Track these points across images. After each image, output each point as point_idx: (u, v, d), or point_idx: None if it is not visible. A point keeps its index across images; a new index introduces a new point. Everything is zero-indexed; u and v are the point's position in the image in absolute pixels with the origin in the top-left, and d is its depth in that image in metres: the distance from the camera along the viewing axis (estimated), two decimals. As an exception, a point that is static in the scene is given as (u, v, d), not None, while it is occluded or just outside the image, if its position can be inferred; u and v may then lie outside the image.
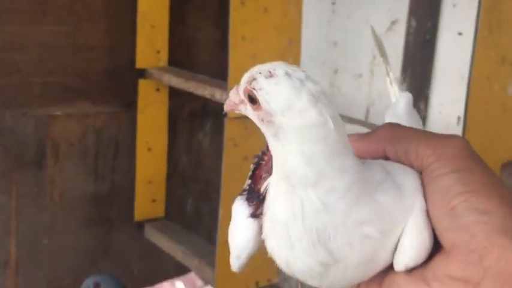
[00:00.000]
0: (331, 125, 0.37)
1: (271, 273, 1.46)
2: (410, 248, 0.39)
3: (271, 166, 0.41)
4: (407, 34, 1.64)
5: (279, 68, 0.38)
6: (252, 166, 0.45)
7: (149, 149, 1.73)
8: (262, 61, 1.28)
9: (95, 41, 1.61)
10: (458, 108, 1.33)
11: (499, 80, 0.82)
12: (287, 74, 0.37)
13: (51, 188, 1.62)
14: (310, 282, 0.42)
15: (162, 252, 1.76)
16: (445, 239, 0.39)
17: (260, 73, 0.38)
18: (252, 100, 0.38)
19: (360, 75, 1.84)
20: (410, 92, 0.63)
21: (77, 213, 1.68)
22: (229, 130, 1.29)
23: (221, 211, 1.34)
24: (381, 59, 0.62)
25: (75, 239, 1.69)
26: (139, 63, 1.67)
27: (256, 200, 0.42)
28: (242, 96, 0.39)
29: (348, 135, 0.42)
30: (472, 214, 0.37)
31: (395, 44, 1.73)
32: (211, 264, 1.48)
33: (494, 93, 0.83)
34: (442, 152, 0.40)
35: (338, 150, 0.38)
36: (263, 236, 0.41)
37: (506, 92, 0.84)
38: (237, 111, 0.41)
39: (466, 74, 1.56)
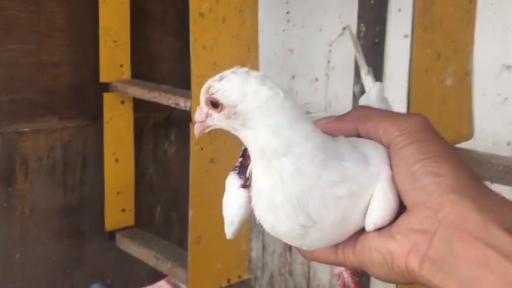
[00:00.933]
0: (281, 94, 0.45)
1: (241, 270, 1.52)
2: (378, 209, 0.46)
3: None
4: (358, 38, 1.74)
5: (225, 72, 0.47)
6: (243, 147, 0.52)
7: (116, 160, 1.78)
8: (223, 68, 1.37)
9: (58, 57, 1.66)
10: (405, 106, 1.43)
11: (436, 74, 0.92)
12: (233, 72, 0.46)
13: (22, 203, 1.65)
14: (292, 243, 0.48)
15: (134, 260, 1.80)
16: (407, 199, 0.45)
17: (213, 81, 0.47)
18: (215, 105, 0.46)
19: (316, 79, 1.94)
20: (362, 93, 0.72)
21: (48, 226, 1.70)
22: (195, 135, 1.35)
23: (191, 212, 1.40)
24: (356, 54, 0.70)
25: (47, 252, 1.71)
26: (103, 77, 1.72)
27: (246, 173, 0.49)
28: (205, 109, 0.47)
29: (324, 118, 0.50)
30: (429, 177, 0.44)
31: (348, 48, 1.83)
32: (184, 266, 1.53)
33: (433, 86, 0.93)
34: (404, 127, 0.47)
35: (297, 117, 0.45)
36: (252, 204, 0.48)
37: (443, 84, 0.94)
38: (207, 130, 0.48)
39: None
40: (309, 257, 0.51)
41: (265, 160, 0.45)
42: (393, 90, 1.66)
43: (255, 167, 0.47)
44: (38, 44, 1.61)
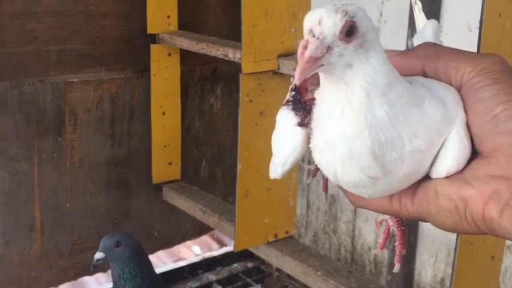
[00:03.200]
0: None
1: (289, 226, 1.51)
2: (453, 156, 0.42)
3: (318, 78, 0.43)
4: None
5: (333, 4, 0.41)
6: (292, 79, 0.45)
7: (163, 113, 1.77)
8: (274, 17, 1.32)
9: (106, 7, 1.64)
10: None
11: (510, 17, 0.85)
12: (342, 4, 0.41)
13: (71, 153, 1.67)
14: (352, 190, 0.45)
15: (179, 213, 1.81)
16: (485, 144, 0.41)
17: (341, 7, 0.40)
18: (350, 33, 0.40)
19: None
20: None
21: (96, 177, 1.72)
22: (245, 86, 1.32)
23: (239, 166, 1.38)
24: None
25: (96, 202, 1.74)
26: (151, 29, 1.70)
27: (303, 110, 0.44)
28: (330, 39, 0.40)
29: (386, 51, 0.44)
30: None
31: (402, 0, 1.74)
32: (231, 220, 1.53)
33: (506, 32, 0.87)
34: (482, 67, 0.43)
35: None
36: (311, 146, 0.43)
37: (516, 30, 0.87)
38: (316, 71, 0.41)
39: (473, 26, 1.58)
40: (360, 203, 0.47)
41: (356, 99, 0.40)
42: (449, 45, 1.58)
43: (329, 107, 0.42)
44: (85, -6, 1.60)
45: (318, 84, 0.43)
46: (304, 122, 0.44)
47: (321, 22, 0.39)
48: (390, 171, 0.41)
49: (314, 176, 0.51)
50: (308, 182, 0.61)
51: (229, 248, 2.06)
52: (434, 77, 0.45)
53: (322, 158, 0.43)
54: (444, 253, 1.68)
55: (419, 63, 0.46)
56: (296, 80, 0.39)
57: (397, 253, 0.51)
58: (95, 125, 1.69)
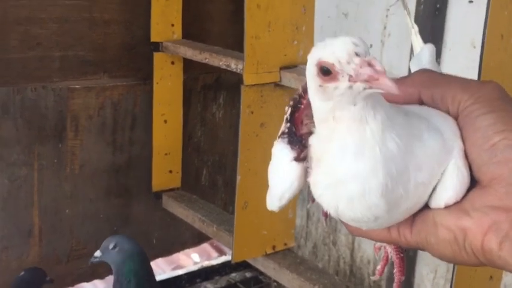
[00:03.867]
0: None
1: (287, 238, 1.50)
2: (452, 187, 0.42)
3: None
4: (418, 3, 1.65)
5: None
6: (288, 108, 0.46)
7: (165, 121, 1.77)
8: (277, 29, 1.31)
9: (110, 14, 1.64)
10: (469, 76, 1.35)
11: (512, 38, 0.85)
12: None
13: (72, 160, 1.67)
14: (351, 224, 0.44)
15: (179, 221, 1.81)
16: (484, 174, 0.41)
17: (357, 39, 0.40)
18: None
19: (371, 46, 1.86)
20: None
21: (97, 184, 1.72)
22: (246, 97, 1.32)
23: (239, 177, 1.37)
24: (405, 12, 0.64)
25: (95, 209, 1.74)
26: (154, 37, 1.70)
27: (299, 144, 0.44)
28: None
29: None
30: None
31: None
32: (229, 230, 1.53)
33: (508, 53, 0.86)
34: (479, 95, 0.42)
35: None
36: (311, 180, 0.43)
37: (519, 51, 0.87)
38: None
39: (477, 43, 1.58)
40: (358, 233, 0.46)
41: (372, 135, 0.39)
42: (452, 61, 1.57)
43: (339, 143, 0.40)
44: (89, 1, 1.60)
45: (312, 118, 0.43)
46: (301, 157, 0.44)
47: (359, 45, 0.39)
48: (394, 208, 0.41)
49: (313, 201, 0.51)
50: (308, 206, 0.60)
51: (228, 257, 2.06)
52: (431, 104, 0.45)
53: (324, 194, 0.42)
54: (444, 269, 1.67)
55: (416, 90, 0.45)
56: (396, 90, 0.38)
57: (395, 280, 0.50)
58: (96, 131, 1.69)
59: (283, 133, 0.45)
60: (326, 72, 0.39)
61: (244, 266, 1.99)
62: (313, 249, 2.11)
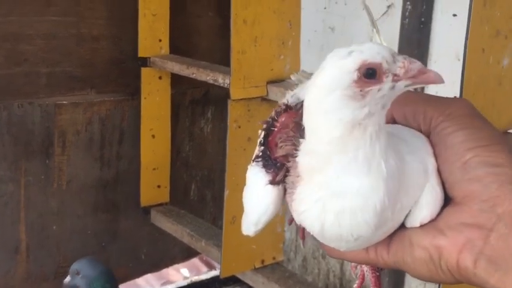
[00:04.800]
0: None
1: (276, 252, 1.50)
2: (427, 206, 0.42)
3: (291, 136, 0.43)
4: (403, 17, 1.67)
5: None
6: (261, 132, 0.46)
7: (153, 136, 1.77)
8: (264, 44, 1.32)
9: (98, 30, 1.65)
10: (454, 89, 1.37)
11: (494, 53, 0.86)
12: None
13: (59, 175, 1.66)
14: (332, 244, 0.43)
15: (168, 237, 1.80)
16: (457, 191, 0.41)
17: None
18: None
19: (358, 60, 1.87)
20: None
21: (84, 200, 1.71)
22: (233, 112, 1.33)
23: (227, 192, 1.37)
24: (374, 30, 0.65)
25: (83, 225, 1.72)
26: (142, 52, 1.70)
27: (274, 167, 0.43)
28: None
29: None
30: (484, 167, 0.40)
31: (392, 28, 1.76)
32: (218, 245, 1.52)
33: (489, 67, 0.87)
34: (450, 112, 0.43)
35: None
36: (296, 199, 0.42)
37: (500, 64, 0.88)
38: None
39: (461, 56, 1.60)
40: (336, 255, 0.46)
41: (377, 149, 0.39)
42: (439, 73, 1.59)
43: (349, 153, 0.39)
44: (77, 17, 1.60)
45: (287, 140, 0.42)
46: (276, 180, 0.43)
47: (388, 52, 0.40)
48: (379, 228, 0.41)
49: (291, 223, 0.51)
50: (285, 229, 0.60)
51: (217, 272, 2.04)
52: (404, 122, 0.45)
53: (311, 209, 0.41)
54: (432, 281, 1.67)
55: (388, 110, 0.45)
56: (440, 80, 0.39)
57: None
58: (83, 147, 1.68)
59: (257, 157, 0.45)
60: (370, 75, 0.38)
61: (234, 280, 1.98)
62: (302, 262, 2.11)
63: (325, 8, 1.93)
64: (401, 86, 0.39)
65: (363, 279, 0.51)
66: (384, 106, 0.40)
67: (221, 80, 1.43)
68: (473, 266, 0.39)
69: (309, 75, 0.47)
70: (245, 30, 1.28)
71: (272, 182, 0.43)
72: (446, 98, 0.46)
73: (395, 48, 1.72)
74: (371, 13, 0.63)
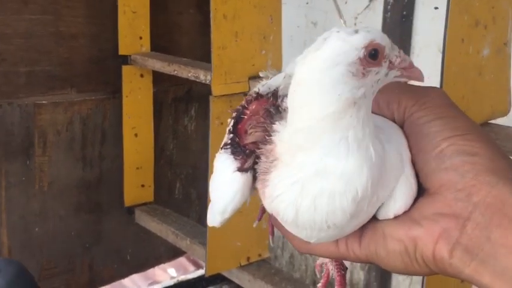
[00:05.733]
0: None
1: (261, 249, 1.49)
2: (401, 197, 0.41)
3: (262, 122, 0.42)
4: (385, 11, 1.67)
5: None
6: (230, 120, 0.44)
7: (136, 135, 1.75)
8: (245, 39, 1.31)
9: (76, 28, 1.62)
10: (437, 81, 1.37)
11: (473, 43, 0.86)
12: None
13: (40, 176, 1.63)
14: (301, 234, 0.42)
15: (153, 236, 1.78)
16: (432, 181, 0.41)
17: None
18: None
19: (341, 54, 1.87)
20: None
21: (67, 201, 1.69)
22: (215, 108, 1.31)
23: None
24: (342, 20, 0.64)
25: (66, 226, 1.70)
26: (122, 50, 1.68)
27: (243, 154, 0.42)
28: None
29: None
30: (461, 156, 0.40)
31: (374, 21, 1.76)
32: (203, 243, 1.51)
33: (469, 57, 0.87)
34: (424, 101, 0.42)
35: None
36: (269, 184, 0.40)
37: (480, 54, 0.88)
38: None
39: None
40: (305, 249, 0.45)
41: (366, 131, 0.39)
42: (421, 66, 1.58)
43: (339, 133, 0.38)
44: (55, 15, 1.57)
45: (258, 126, 0.42)
46: (245, 167, 0.42)
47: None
48: (353, 219, 0.40)
49: (260, 219, 0.50)
50: (254, 225, 0.59)
51: (204, 271, 2.03)
52: (377, 111, 0.44)
53: (287, 192, 0.39)
54: (419, 274, 1.67)
55: None
56: (422, 78, 0.40)
57: None
58: (65, 147, 1.66)
59: (225, 144, 0.44)
60: (373, 56, 0.38)
61: (221, 278, 1.97)
62: (290, 259, 2.10)
63: (307, 3, 1.92)
64: (391, 75, 0.40)
65: (328, 277, 0.50)
66: (374, 92, 0.40)
67: (203, 76, 1.42)
68: (449, 256, 0.39)
69: (277, 73, 0.47)
70: (225, 26, 1.27)
71: (240, 169, 0.42)
72: (421, 86, 0.45)
73: (378, 42, 1.71)
74: (337, 5, 0.63)
